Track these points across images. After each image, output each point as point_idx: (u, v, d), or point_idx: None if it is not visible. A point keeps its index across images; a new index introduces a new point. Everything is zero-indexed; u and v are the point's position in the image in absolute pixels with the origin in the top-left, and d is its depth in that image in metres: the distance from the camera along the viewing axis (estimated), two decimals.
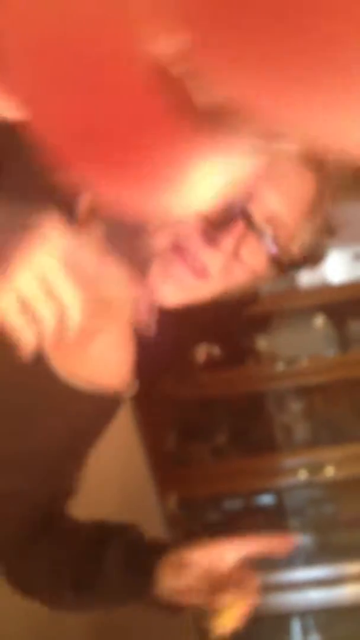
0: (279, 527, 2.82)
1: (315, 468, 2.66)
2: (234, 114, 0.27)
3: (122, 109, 0.29)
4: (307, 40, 0.24)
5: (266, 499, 2.89)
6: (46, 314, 0.70)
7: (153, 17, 0.25)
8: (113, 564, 0.96)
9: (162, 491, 2.62)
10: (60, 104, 0.29)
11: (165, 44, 0.25)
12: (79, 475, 1.06)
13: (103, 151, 0.30)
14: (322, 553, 2.78)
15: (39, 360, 0.85)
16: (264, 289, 2.08)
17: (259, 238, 0.75)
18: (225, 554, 0.91)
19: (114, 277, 0.80)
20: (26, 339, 0.70)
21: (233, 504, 2.91)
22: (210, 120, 0.27)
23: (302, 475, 2.66)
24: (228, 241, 0.73)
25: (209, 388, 2.77)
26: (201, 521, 2.84)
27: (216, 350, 2.74)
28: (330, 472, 2.64)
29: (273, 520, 2.84)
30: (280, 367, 2.81)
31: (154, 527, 2.28)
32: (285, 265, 0.78)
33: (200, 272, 0.75)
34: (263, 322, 2.88)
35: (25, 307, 0.69)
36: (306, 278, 3.33)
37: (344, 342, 2.92)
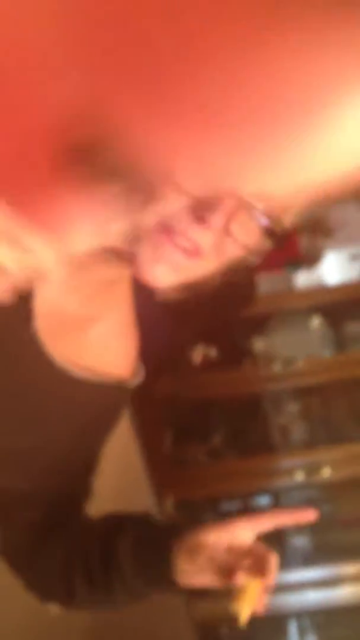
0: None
1: (312, 469, 2.66)
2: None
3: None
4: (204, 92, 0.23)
5: (263, 500, 2.88)
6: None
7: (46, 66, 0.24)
8: (124, 554, 0.93)
9: (159, 493, 2.61)
10: None
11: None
12: (91, 475, 1.03)
13: None
14: (319, 554, 2.78)
15: (33, 348, 0.83)
16: (260, 290, 2.07)
17: (249, 212, 0.72)
18: (239, 532, 0.90)
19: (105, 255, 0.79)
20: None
21: (230, 506, 2.90)
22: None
23: (299, 476, 2.66)
24: (217, 218, 0.70)
25: (206, 389, 2.77)
26: (199, 523, 2.83)
27: (213, 352, 2.75)
28: (327, 473, 2.63)
29: None
30: (276, 367, 2.81)
31: None
32: (279, 236, 0.75)
33: (192, 252, 0.73)
34: (259, 323, 2.88)
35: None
36: (302, 279, 3.34)
37: (340, 343, 2.93)
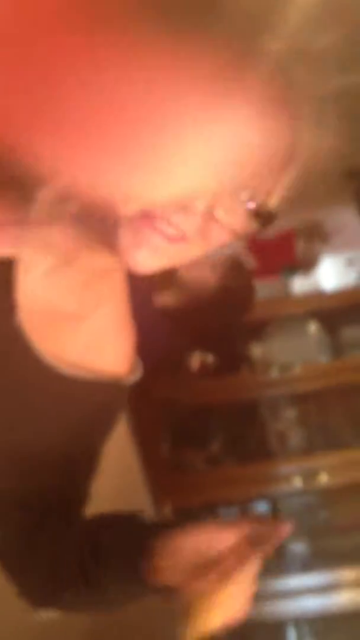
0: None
1: (310, 475, 2.65)
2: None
3: None
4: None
5: (261, 507, 2.88)
6: None
7: None
8: (107, 551, 0.91)
9: (157, 500, 2.61)
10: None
11: None
12: (89, 478, 0.98)
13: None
14: (317, 560, 2.77)
15: (18, 342, 0.80)
16: (257, 296, 2.08)
17: (233, 195, 0.69)
18: (217, 538, 0.85)
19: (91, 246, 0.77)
20: None
21: (228, 512, 2.90)
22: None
23: (297, 482, 2.66)
24: (200, 202, 0.68)
25: (203, 395, 2.77)
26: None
27: (210, 358, 2.75)
28: (324, 478, 2.63)
29: None
30: (274, 373, 2.81)
31: None
32: (265, 219, 0.73)
33: (174, 237, 0.71)
34: (256, 329, 2.88)
35: None
36: (299, 284, 3.34)
37: (337, 348, 2.93)
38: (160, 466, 2.71)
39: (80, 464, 0.96)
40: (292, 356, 2.86)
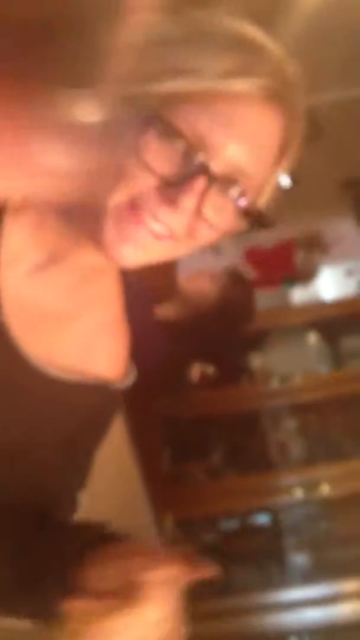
0: (275, 546, 2.80)
1: (311, 486, 2.65)
2: None
3: None
4: None
5: (262, 518, 2.87)
6: None
7: None
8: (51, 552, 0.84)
9: (158, 511, 2.60)
10: None
11: None
12: (78, 486, 0.94)
13: None
14: (318, 571, 2.76)
15: (2, 340, 0.76)
16: (257, 306, 2.08)
17: (223, 193, 0.68)
18: (140, 564, 0.76)
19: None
20: None
21: (229, 524, 2.89)
22: None
23: (298, 493, 2.65)
24: (188, 200, 0.67)
25: (204, 406, 2.76)
26: (198, 542, 2.82)
27: (210, 369, 2.75)
28: (325, 489, 2.63)
29: (269, 539, 2.83)
30: (274, 384, 2.81)
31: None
32: (254, 218, 0.72)
33: (160, 234, 0.69)
34: (256, 340, 2.89)
35: None
36: (299, 295, 3.35)
37: (337, 359, 2.93)
38: (161, 478, 2.70)
39: (69, 468, 0.91)
40: (292, 366, 2.86)
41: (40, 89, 0.36)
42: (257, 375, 2.90)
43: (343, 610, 2.65)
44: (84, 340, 0.85)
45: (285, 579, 2.74)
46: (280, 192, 0.76)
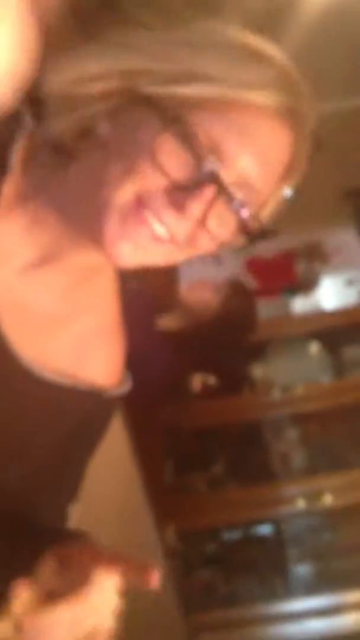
0: (278, 557, 2.79)
1: (313, 496, 2.64)
2: None
3: None
4: None
5: (264, 529, 2.86)
6: None
7: None
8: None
9: (160, 522, 2.59)
10: None
11: None
12: (69, 497, 0.91)
13: None
14: (321, 582, 2.75)
15: None
16: (259, 316, 2.08)
17: (228, 204, 0.69)
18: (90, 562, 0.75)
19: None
20: None
21: (231, 535, 2.88)
22: None
23: (300, 503, 2.64)
24: (196, 206, 0.67)
25: (205, 417, 2.76)
26: (200, 553, 2.81)
27: (211, 379, 2.75)
28: (328, 500, 2.62)
29: (271, 550, 2.82)
30: (275, 394, 2.80)
31: (152, 559, 2.26)
32: (254, 234, 0.72)
33: (161, 238, 0.69)
34: (257, 349, 2.88)
35: None
36: (300, 305, 3.35)
37: (338, 368, 2.93)
38: (163, 488, 2.69)
39: (60, 478, 0.89)
40: (293, 376, 2.86)
41: None
42: (258, 385, 2.90)
43: (346, 621, 2.64)
44: (78, 344, 0.84)
45: (288, 590, 2.73)
46: (282, 202, 0.76)
